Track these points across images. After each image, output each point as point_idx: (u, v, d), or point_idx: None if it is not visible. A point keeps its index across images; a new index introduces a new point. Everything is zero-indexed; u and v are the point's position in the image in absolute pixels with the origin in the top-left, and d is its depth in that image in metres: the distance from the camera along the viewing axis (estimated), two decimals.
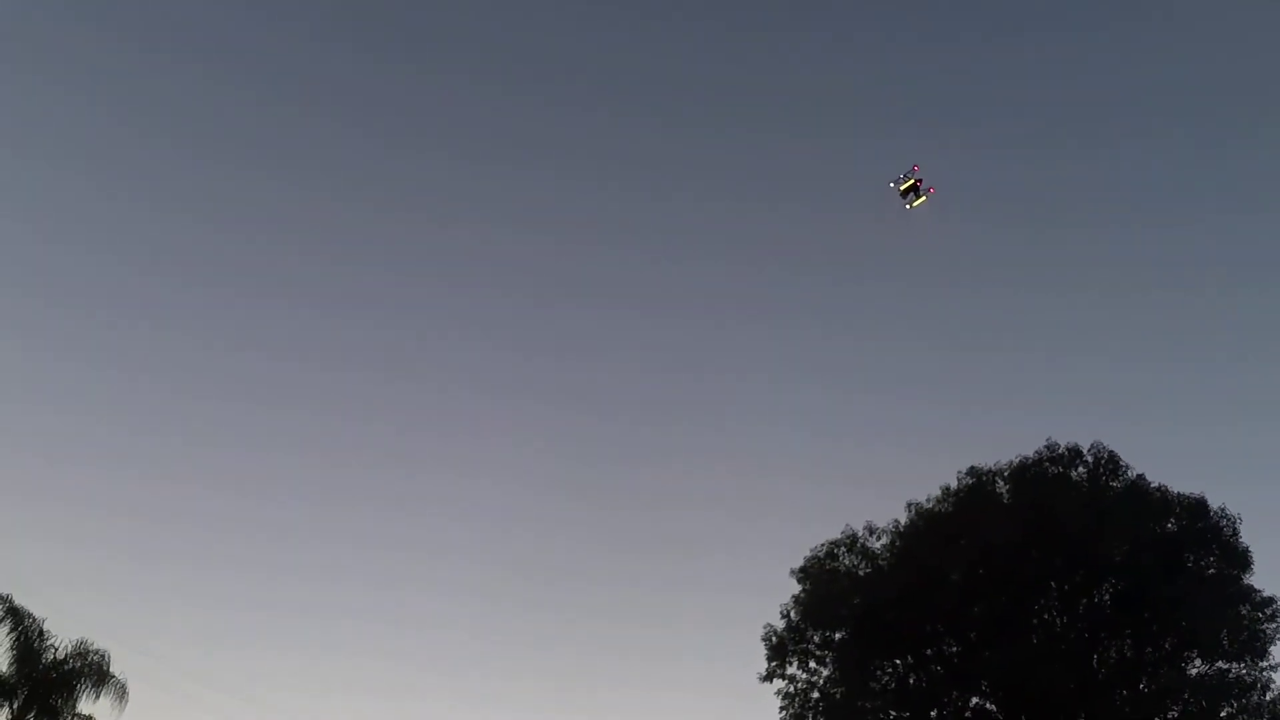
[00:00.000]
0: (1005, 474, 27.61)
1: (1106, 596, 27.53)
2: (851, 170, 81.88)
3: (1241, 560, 26.49)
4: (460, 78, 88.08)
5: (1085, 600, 27.63)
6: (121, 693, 27.18)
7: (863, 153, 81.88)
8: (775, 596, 27.95)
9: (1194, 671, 26.29)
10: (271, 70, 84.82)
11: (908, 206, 30.72)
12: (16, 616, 27.29)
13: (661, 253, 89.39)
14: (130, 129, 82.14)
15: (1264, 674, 25.64)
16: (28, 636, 27.23)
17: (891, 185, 30.94)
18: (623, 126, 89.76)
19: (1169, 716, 26.64)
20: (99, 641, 28.07)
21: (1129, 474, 27.72)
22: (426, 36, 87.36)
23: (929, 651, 27.16)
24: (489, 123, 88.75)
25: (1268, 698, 25.34)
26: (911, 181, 30.57)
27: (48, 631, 27.49)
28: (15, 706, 27.01)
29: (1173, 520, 27.34)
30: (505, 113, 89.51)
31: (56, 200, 76.61)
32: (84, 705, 27.23)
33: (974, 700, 27.45)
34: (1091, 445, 27.83)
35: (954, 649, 27.29)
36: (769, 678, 27.10)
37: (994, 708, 27.49)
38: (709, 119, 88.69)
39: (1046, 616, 27.63)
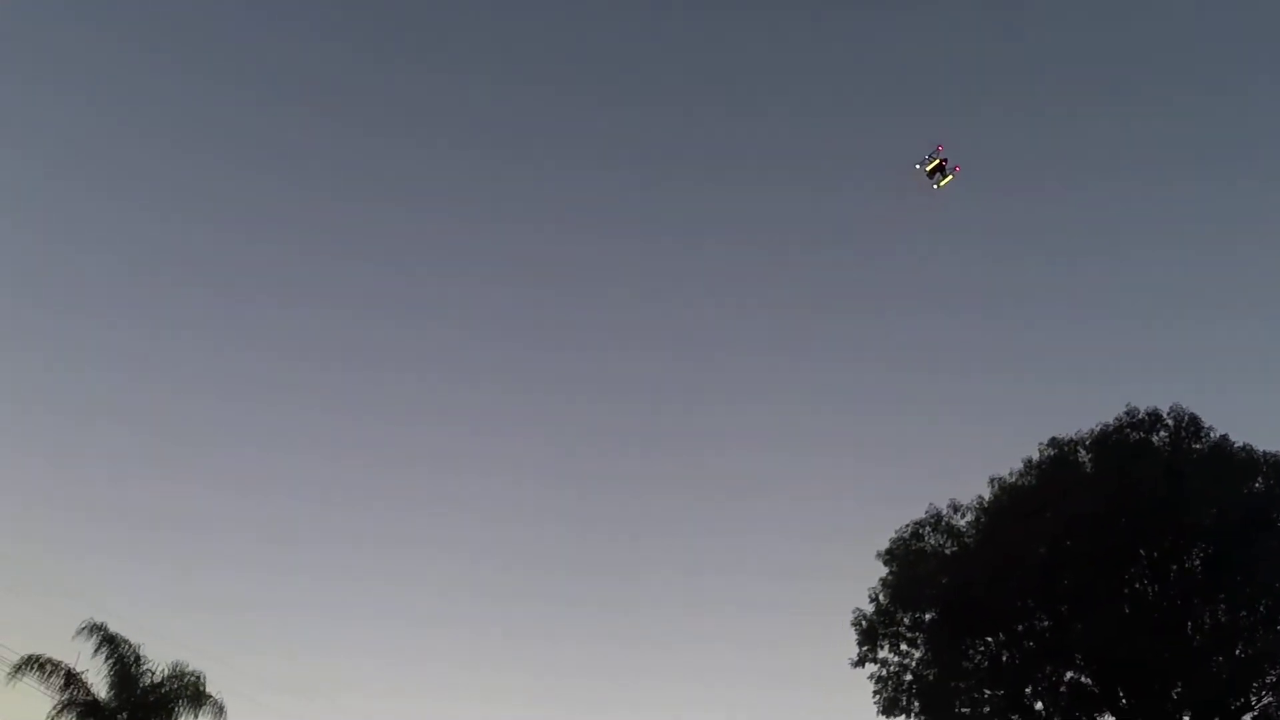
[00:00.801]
0: (1086, 443, 27.20)
1: (1197, 562, 27.05)
2: (888, 147, 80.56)
3: None
4: (454, 68, 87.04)
5: (1175, 567, 27.16)
6: (219, 710, 27.52)
7: (888, 132, 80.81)
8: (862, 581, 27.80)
9: None
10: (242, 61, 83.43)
11: (935, 187, 30.60)
12: (112, 644, 27.66)
13: (703, 236, 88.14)
14: (118, 127, 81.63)
15: None
16: (124, 663, 27.62)
17: (917, 167, 30.88)
18: (622, 116, 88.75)
19: (1268, 681, 26.15)
20: (193, 661, 28.46)
21: (1211, 435, 27.21)
22: (417, 29, 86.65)
23: (1020, 627, 26.84)
24: (486, 112, 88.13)
25: None
26: (936, 162, 30.51)
27: (144, 656, 27.86)
28: None
29: (1260, 479, 26.79)
30: (501, 101, 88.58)
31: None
32: None
33: (1068, 674, 27.12)
34: (1171, 409, 27.37)
35: (1045, 623, 26.94)
36: (860, 662, 26.95)
37: (1089, 681, 27.13)
38: (707, 105, 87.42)
39: (1137, 586, 27.20)
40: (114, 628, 27.95)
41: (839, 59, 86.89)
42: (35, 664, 27.61)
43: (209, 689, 27.84)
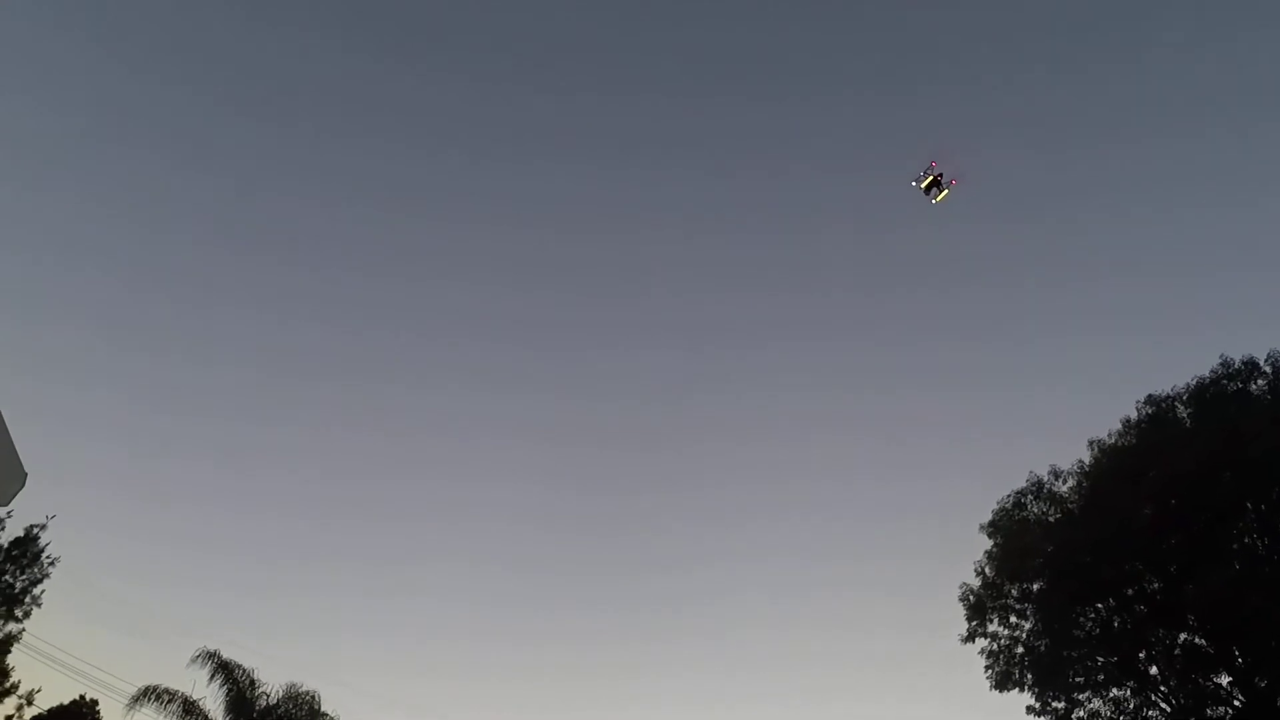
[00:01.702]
0: (1183, 398, 26.50)
1: None
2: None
3: None
4: (456, 68, 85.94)
5: None
6: None
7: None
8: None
9: None
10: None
11: (933, 201, 30.76)
12: (226, 670, 28.21)
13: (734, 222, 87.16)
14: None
15: None
16: (239, 687, 28.17)
17: (914, 185, 31.04)
18: (618, 109, 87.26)
19: None
20: (307, 682, 28.97)
21: None
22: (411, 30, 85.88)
23: (1129, 591, 26.24)
24: (481, 112, 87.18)
25: None
26: (931, 178, 30.65)
27: (258, 680, 28.39)
28: None
29: None
30: (499, 101, 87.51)
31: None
32: None
33: (1182, 637, 26.45)
34: (1269, 355, 26.53)
35: (1155, 586, 26.31)
36: (970, 637, 26.57)
37: (1203, 642, 26.44)
38: (711, 95, 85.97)
39: (1246, 541, 26.45)
40: (226, 655, 28.57)
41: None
42: (153, 694, 28.26)
43: (325, 708, 28.28)
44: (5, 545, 34.95)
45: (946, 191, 30.45)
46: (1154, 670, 27.17)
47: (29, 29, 68.30)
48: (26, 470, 24.20)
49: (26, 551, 34.45)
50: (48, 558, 34.29)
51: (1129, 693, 27.14)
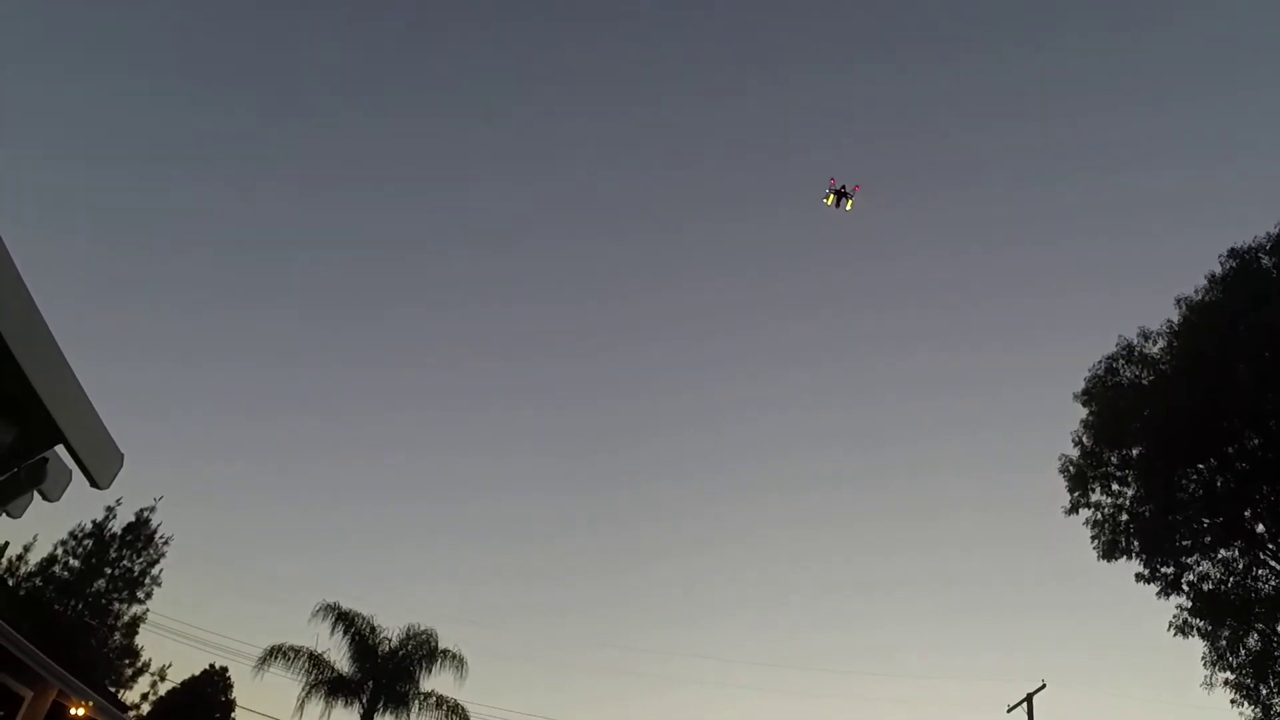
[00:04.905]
0: (1266, 248, 25.95)
1: None
2: None
3: None
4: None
5: None
6: (460, 664, 29.01)
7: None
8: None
9: None
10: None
11: (845, 209, 31.78)
12: (347, 620, 29.43)
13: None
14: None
15: None
16: (361, 635, 29.36)
17: (825, 203, 31.87)
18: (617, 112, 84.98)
19: None
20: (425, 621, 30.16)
21: None
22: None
23: (1230, 450, 25.97)
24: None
25: None
26: (832, 196, 31.63)
27: (378, 626, 29.55)
28: (365, 700, 29.23)
29: None
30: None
31: None
32: (425, 684, 29.19)
33: None
34: None
35: (1255, 442, 25.98)
36: (1074, 509, 26.55)
37: None
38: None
39: None
40: (346, 606, 29.77)
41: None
42: (279, 653, 29.65)
43: (443, 645, 29.37)
44: (119, 532, 36.65)
45: (852, 200, 31.72)
46: (1260, 528, 26.92)
47: None
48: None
49: (140, 535, 36.09)
50: (161, 538, 35.97)
51: (1237, 553, 27.01)
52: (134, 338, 69.75)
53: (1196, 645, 26.58)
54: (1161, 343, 26.01)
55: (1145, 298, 65.44)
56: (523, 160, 79.41)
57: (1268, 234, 26.04)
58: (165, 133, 69.47)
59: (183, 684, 36.77)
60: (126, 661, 36.07)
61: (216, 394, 73.37)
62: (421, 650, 29.15)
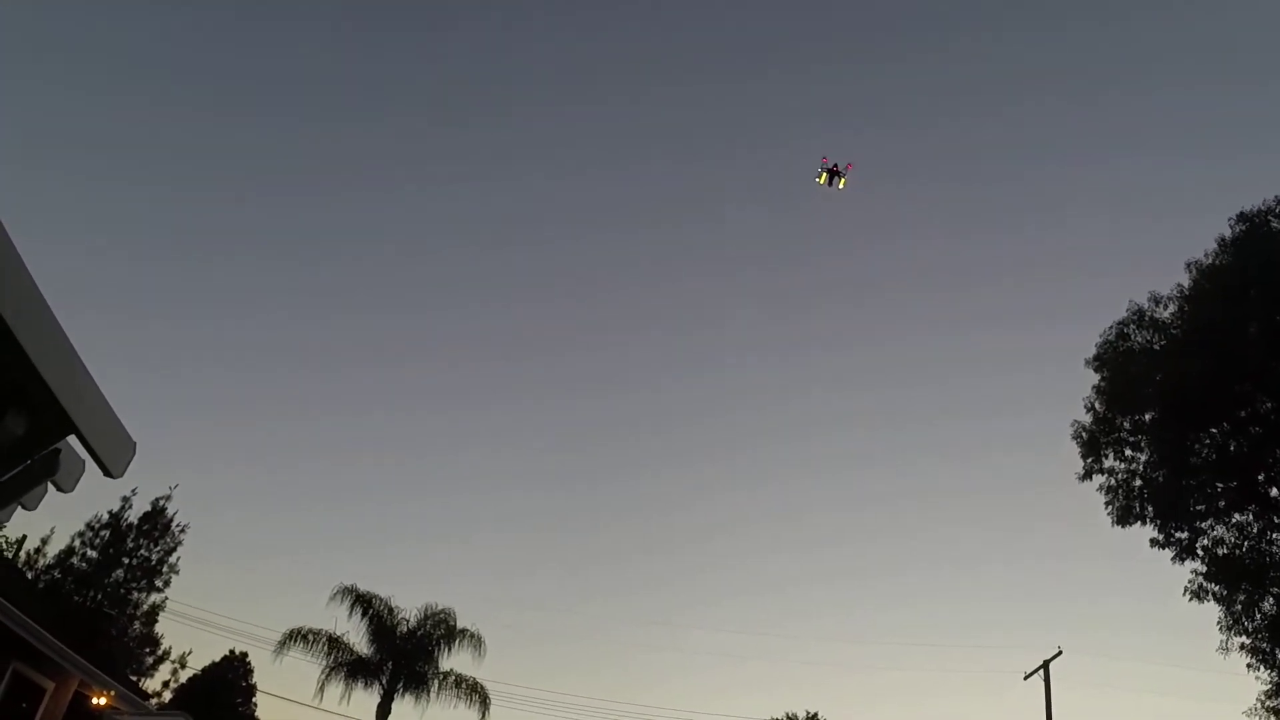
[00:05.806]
0: (1275, 211, 25.73)
1: None
2: None
3: None
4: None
5: None
6: (478, 643, 29.24)
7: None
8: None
9: None
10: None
11: (838, 188, 31.69)
12: (365, 602, 29.66)
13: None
14: None
15: None
16: (379, 617, 29.59)
17: (817, 182, 31.71)
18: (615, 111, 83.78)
19: None
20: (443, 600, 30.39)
21: None
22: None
23: (1243, 413, 25.85)
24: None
25: None
26: (824, 174, 31.45)
27: (396, 607, 29.77)
28: (384, 680, 29.51)
29: None
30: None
31: None
32: (444, 663, 29.44)
33: None
34: None
35: (1267, 405, 25.84)
36: (1087, 475, 26.49)
37: None
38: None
39: None
40: (363, 588, 29.98)
41: None
42: (298, 636, 29.94)
43: (461, 624, 29.59)
44: (135, 522, 36.89)
45: (844, 178, 31.58)
46: (1274, 492, 26.85)
47: None
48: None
49: (156, 524, 36.31)
50: (177, 526, 36.17)
51: (1251, 517, 26.93)
52: (157, 343, 70.80)
53: (1212, 610, 26.63)
54: (1172, 307, 25.87)
55: (1156, 276, 65.52)
56: (523, 160, 79.82)
57: (1276, 198, 25.80)
58: (165, 133, 69.65)
59: (204, 670, 37.18)
60: (147, 650, 36.40)
61: (234, 389, 74.16)
62: (440, 630, 29.38)
